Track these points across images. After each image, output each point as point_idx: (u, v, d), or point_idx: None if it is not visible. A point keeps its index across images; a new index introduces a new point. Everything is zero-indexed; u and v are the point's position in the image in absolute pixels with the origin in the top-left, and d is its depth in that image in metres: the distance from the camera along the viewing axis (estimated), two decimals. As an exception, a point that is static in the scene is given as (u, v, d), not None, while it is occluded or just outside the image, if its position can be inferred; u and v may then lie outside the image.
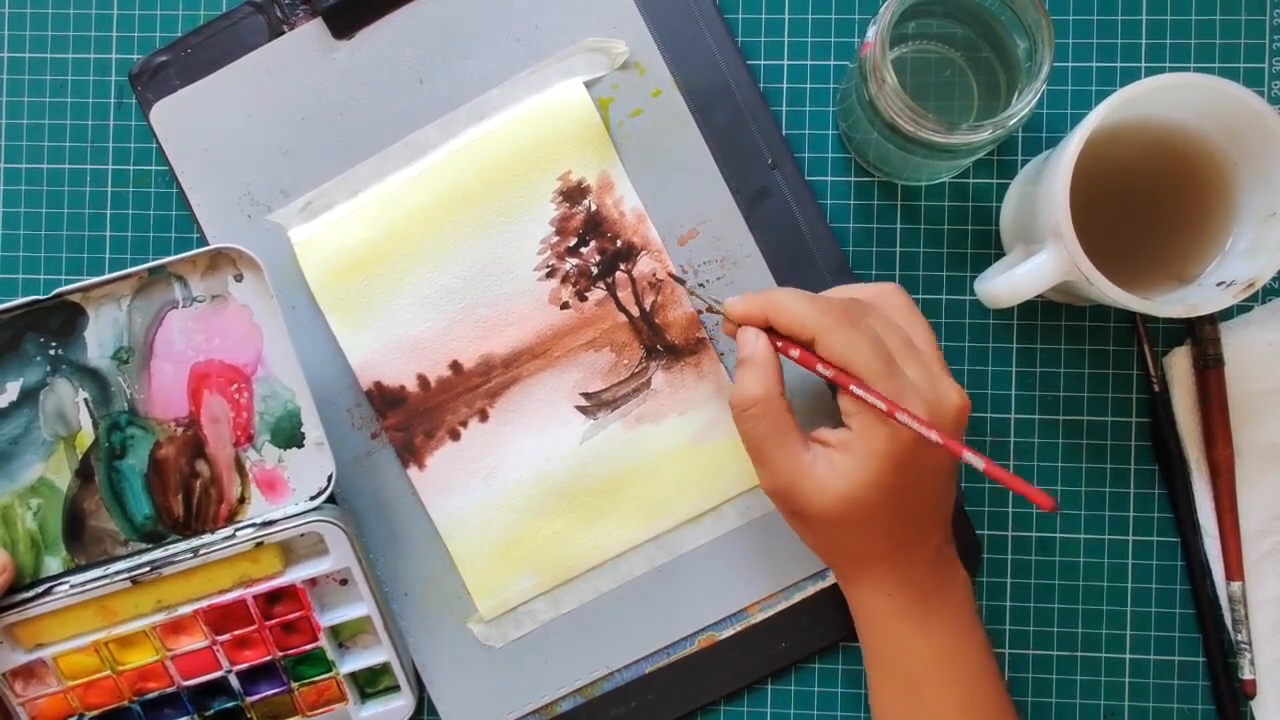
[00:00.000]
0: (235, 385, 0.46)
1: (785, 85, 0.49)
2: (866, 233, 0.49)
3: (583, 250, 0.48)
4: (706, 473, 0.48)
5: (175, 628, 0.47)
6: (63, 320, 0.46)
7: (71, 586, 0.46)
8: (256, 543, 0.46)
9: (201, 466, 0.47)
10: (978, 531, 0.48)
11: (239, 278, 0.45)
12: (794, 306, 0.40)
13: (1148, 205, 0.44)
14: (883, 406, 0.38)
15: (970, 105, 0.46)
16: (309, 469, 0.46)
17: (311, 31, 0.48)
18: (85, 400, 0.46)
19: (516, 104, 0.48)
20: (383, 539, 0.49)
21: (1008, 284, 0.41)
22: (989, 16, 0.43)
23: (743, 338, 0.42)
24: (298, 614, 0.47)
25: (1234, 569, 0.47)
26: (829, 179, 0.49)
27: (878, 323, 0.41)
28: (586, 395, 0.48)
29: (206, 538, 0.46)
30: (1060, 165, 0.38)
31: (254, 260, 0.44)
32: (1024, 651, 0.48)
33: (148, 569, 0.45)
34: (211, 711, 0.48)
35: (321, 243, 0.47)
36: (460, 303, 0.47)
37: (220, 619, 0.46)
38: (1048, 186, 0.39)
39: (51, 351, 0.46)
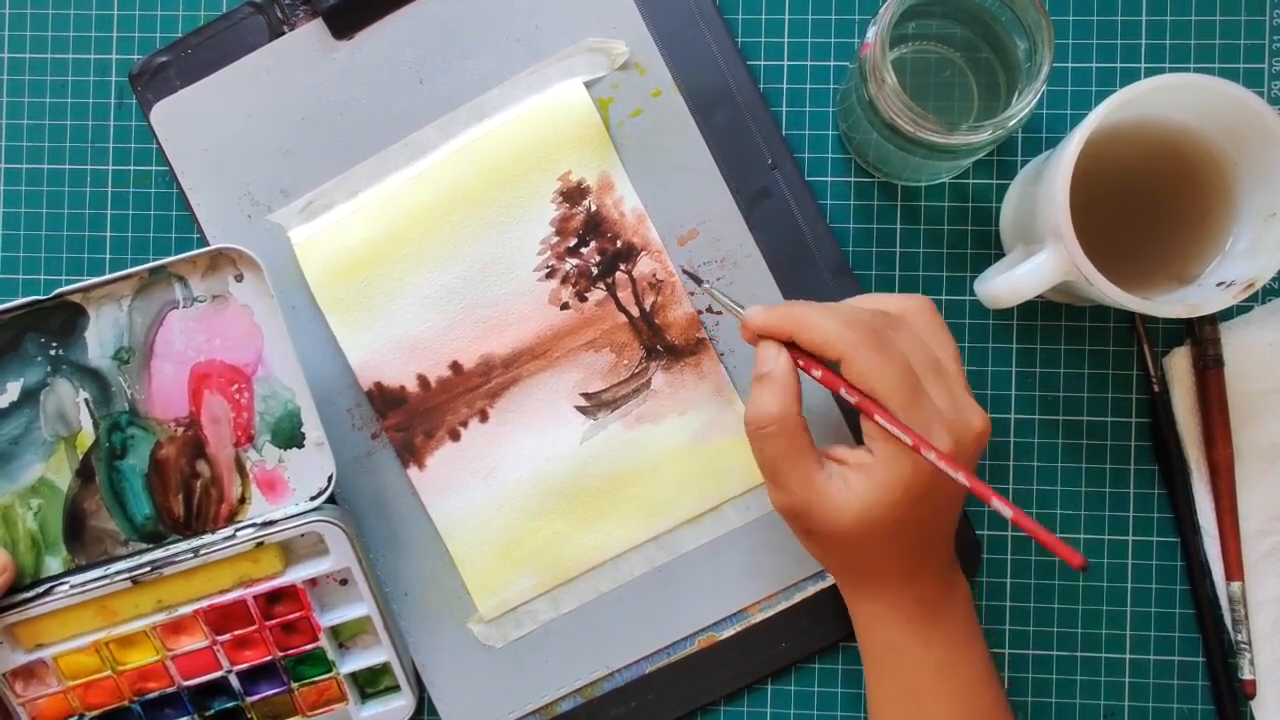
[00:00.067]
0: (236, 385, 0.46)
1: (785, 85, 0.49)
2: (866, 233, 0.49)
3: (583, 250, 0.48)
4: (706, 473, 0.48)
5: (175, 628, 0.47)
6: (63, 320, 0.46)
7: (72, 586, 0.46)
8: (257, 543, 0.46)
9: (202, 466, 0.47)
10: (978, 532, 0.48)
11: (239, 278, 0.45)
12: (821, 324, 0.39)
13: (1148, 205, 0.44)
14: (909, 441, 0.37)
15: (970, 105, 0.46)
16: (309, 469, 0.46)
17: (311, 32, 0.48)
18: (86, 400, 0.46)
19: (516, 104, 0.48)
20: (383, 539, 0.49)
21: (1008, 284, 0.41)
22: (989, 17, 0.43)
23: (763, 352, 0.40)
24: (298, 614, 0.47)
25: (1234, 569, 0.47)
26: (829, 179, 0.49)
27: (905, 341, 0.39)
28: (586, 395, 0.48)
29: (207, 538, 0.46)
30: (1060, 165, 0.38)
31: (254, 260, 0.44)
32: (1024, 651, 0.48)
33: (148, 569, 0.45)
34: (211, 711, 0.48)
35: (321, 243, 0.47)
36: (460, 303, 0.48)
37: (220, 619, 0.47)
38: (1048, 187, 0.39)
39: (52, 351, 0.46)
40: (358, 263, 0.47)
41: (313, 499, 0.46)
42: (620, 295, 0.48)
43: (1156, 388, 0.48)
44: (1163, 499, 0.48)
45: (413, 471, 0.48)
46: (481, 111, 0.48)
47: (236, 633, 0.47)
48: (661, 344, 0.48)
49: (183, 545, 0.46)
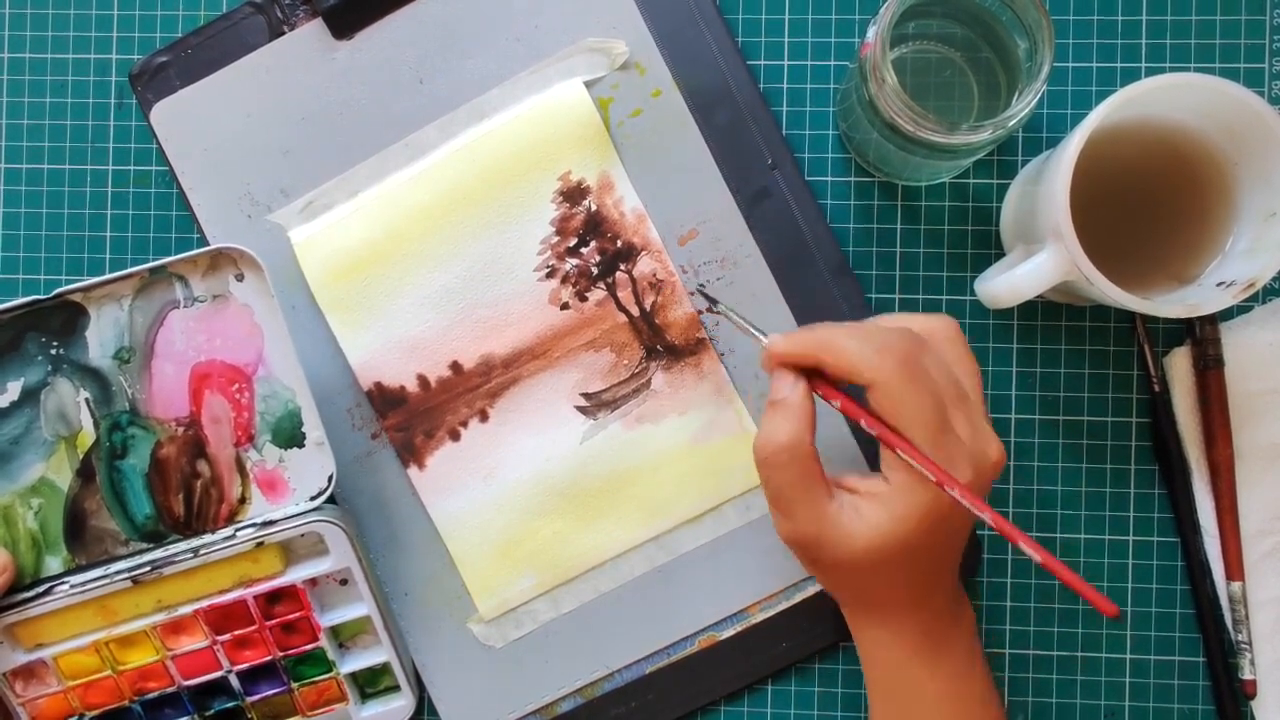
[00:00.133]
0: (236, 385, 0.46)
1: (785, 85, 0.49)
2: (866, 233, 0.49)
3: (583, 250, 0.48)
4: (706, 473, 0.48)
5: (175, 628, 0.47)
6: (64, 320, 0.46)
7: (72, 586, 0.46)
8: (257, 543, 0.46)
9: (202, 466, 0.47)
10: (978, 532, 0.48)
11: (240, 278, 0.45)
12: (851, 348, 0.37)
13: (1148, 205, 0.44)
14: (933, 477, 0.36)
15: (970, 105, 0.46)
16: (309, 469, 0.46)
17: (311, 32, 0.48)
18: (86, 400, 0.46)
19: (516, 104, 0.48)
20: (383, 539, 0.49)
21: (1008, 284, 0.41)
22: (989, 16, 0.43)
23: (779, 381, 0.39)
24: (298, 614, 0.47)
25: (1234, 569, 0.47)
26: (829, 179, 0.49)
27: (932, 364, 0.38)
28: (586, 395, 0.48)
29: (207, 538, 0.46)
30: (1060, 165, 0.38)
31: (255, 260, 0.44)
32: (1024, 651, 0.48)
33: (148, 569, 0.45)
34: (211, 711, 0.48)
35: (321, 243, 0.47)
36: (460, 303, 0.48)
37: (220, 619, 0.47)
38: (1048, 186, 0.39)
39: (53, 351, 0.46)
40: (358, 263, 0.47)
41: (313, 499, 0.46)
42: (620, 295, 0.48)
43: (1157, 388, 0.48)
44: (1163, 499, 0.48)
45: (413, 471, 0.48)
46: (481, 111, 0.48)
47: (236, 633, 0.47)
48: (661, 344, 0.48)
49: (183, 545, 0.46)
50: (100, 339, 0.46)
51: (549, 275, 0.48)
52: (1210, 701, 0.48)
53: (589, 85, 0.47)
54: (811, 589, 0.48)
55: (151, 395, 0.46)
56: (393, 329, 0.47)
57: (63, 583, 0.46)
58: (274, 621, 0.47)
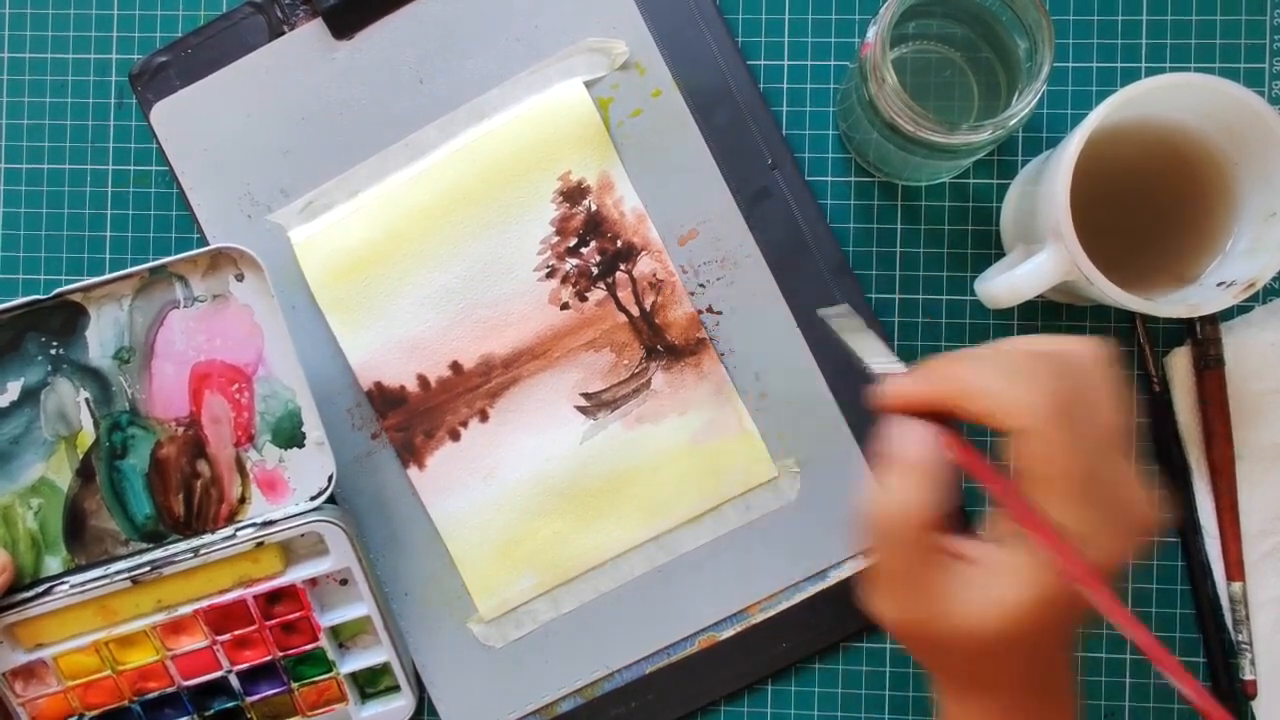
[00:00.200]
0: (236, 385, 0.46)
1: (785, 85, 0.49)
2: (866, 233, 0.49)
3: (583, 250, 0.48)
4: (706, 473, 0.48)
5: (175, 628, 0.47)
6: (64, 320, 0.46)
7: (72, 586, 0.46)
8: (257, 543, 0.46)
9: (202, 466, 0.47)
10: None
11: (240, 277, 0.45)
12: (995, 391, 0.31)
13: (1148, 205, 0.44)
14: (1075, 574, 0.31)
15: (970, 105, 0.46)
16: (309, 469, 0.46)
17: (311, 31, 0.48)
18: (86, 400, 0.46)
19: (516, 104, 0.48)
20: (383, 539, 0.49)
21: (1008, 284, 0.41)
22: (989, 16, 0.43)
23: (904, 433, 0.33)
24: (298, 614, 0.47)
25: (1234, 569, 0.47)
26: (829, 179, 0.49)
27: (1083, 403, 0.32)
28: (586, 395, 0.48)
29: (207, 538, 0.46)
30: (1060, 165, 0.38)
31: (255, 260, 0.44)
32: (1024, 652, 0.48)
33: (148, 569, 0.45)
34: (211, 711, 0.48)
35: (321, 243, 0.47)
36: (460, 303, 0.48)
37: (220, 619, 0.46)
38: (1048, 186, 0.39)
39: (52, 351, 0.46)
40: (358, 263, 0.47)
41: (313, 499, 0.46)
42: (620, 295, 0.48)
43: (1157, 388, 0.48)
44: (1163, 499, 0.48)
45: (413, 471, 0.48)
46: (481, 111, 0.48)
47: (236, 633, 0.47)
48: (661, 344, 0.48)
49: (183, 545, 0.46)
50: (100, 339, 0.46)
51: (549, 275, 0.48)
52: (1210, 702, 0.48)
53: (589, 85, 0.47)
54: (811, 589, 0.48)
55: (151, 395, 0.46)
56: (393, 329, 0.47)
57: (62, 583, 0.46)
58: (274, 621, 0.47)
